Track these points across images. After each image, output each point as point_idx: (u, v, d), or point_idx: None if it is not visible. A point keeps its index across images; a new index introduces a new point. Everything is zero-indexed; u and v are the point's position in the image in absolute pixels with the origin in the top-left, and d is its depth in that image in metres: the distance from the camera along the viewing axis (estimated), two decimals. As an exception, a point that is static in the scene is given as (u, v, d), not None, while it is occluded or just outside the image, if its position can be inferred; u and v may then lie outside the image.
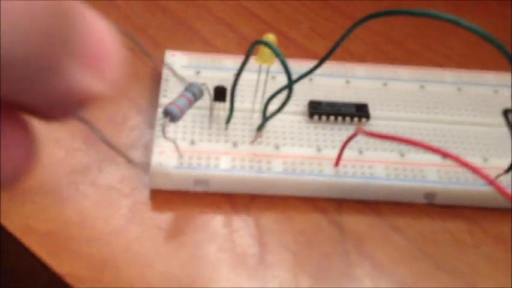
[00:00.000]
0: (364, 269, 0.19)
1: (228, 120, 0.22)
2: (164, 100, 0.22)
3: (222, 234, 0.20)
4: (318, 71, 0.20)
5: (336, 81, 0.24)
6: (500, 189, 0.17)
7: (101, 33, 0.09)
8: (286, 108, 0.20)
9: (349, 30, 0.18)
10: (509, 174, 0.20)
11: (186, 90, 0.21)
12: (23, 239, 0.19)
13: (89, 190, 0.20)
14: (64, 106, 0.09)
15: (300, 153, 0.21)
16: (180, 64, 0.24)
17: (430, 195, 0.21)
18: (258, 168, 0.21)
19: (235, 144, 0.21)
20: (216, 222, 0.20)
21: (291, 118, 0.23)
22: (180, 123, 0.22)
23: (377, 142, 0.22)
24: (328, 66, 0.24)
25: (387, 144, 0.22)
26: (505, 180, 0.20)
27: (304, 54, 0.27)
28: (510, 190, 0.20)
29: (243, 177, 0.21)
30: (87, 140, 0.22)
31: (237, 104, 0.22)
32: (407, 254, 0.20)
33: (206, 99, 0.22)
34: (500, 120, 0.21)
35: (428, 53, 0.27)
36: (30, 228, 0.19)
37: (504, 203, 0.20)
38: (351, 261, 0.20)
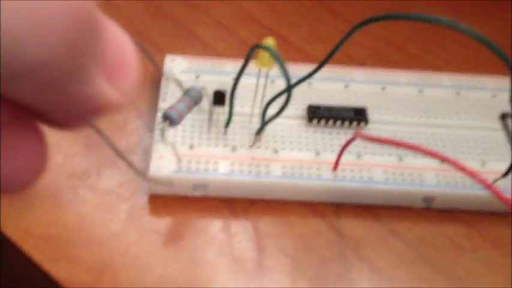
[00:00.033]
0: (363, 273, 0.20)
1: (227, 124, 0.22)
2: (163, 104, 0.22)
3: (221, 239, 0.20)
4: (317, 75, 0.20)
5: (335, 85, 0.24)
6: (497, 194, 0.17)
7: (122, 45, 0.09)
8: (285, 112, 0.20)
9: (348, 34, 0.18)
10: (507, 178, 0.20)
11: (185, 94, 0.21)
12: (22, 244, 0.19)
13: (88, 195, 0.21)
14: (80, 114, 0.09)
15: (298, 157, 0.21)
16: (180, 68, 0.24)
17: (428, 199, 0.21)
18: (256, 172, 0.21)
19: (234, 149, 0.21)
20: (214, 226, 0.20)
21: (290, 122, 0.23)
22: (179, 127, 0.22)
23: (375, 146, 0.22)
24: (327, 70, 0.24)
25: (385, 148, 0.22)
26: (502, 185, 0.20)
27: (304, 58, 0.27)
28: (507, 194, 0.20)
29: (241, 181, 0.21)
30: (86, 144, 0.22)
31: (236, 108, 0.22)
32: (405, 258, 0.20)
33: (205, 103, 0.22)
34: (499, 124, 0.21)
35: (428, 57, 0.27)
36: (29, 233, 0.19)
37: (502, 207, 0.20)
38: (349, 266, 0.20)
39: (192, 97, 0.21)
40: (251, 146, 0.22)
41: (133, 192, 0.21)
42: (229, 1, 0.29)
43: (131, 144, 0.22)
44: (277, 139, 0.22)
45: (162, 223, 0.20)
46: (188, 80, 0.24)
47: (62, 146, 0.22)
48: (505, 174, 0.20)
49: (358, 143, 0.21)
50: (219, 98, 0.22)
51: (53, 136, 0.10)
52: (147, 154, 0.22)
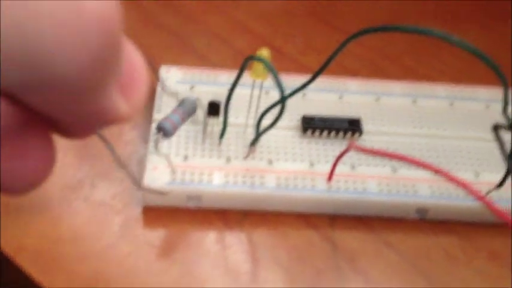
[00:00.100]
0: (357, 285, 0.19)
1: (222, 135, 0.22)
2: (158, 115, 0.22)
3: (215, 251, 0.20)
4: (311, 86, 0.20)
5: (329, 96, 0.24)
6: (489, 205, 0.17)
7: (135, 62, 0.09)
8: (280, 123, 0.20)
9: (342, 45, 0.18)
10: (501, 189, 0.20)
11: (179, 105, 0.21)
12: (16, 257, 0.19)
13: (81, 206, 0.20)
14: (92, 125, 0.09)
15: (293, 169, 0.21)
16: (175, 79, 0.24)
17: (422, 210, 0.21)
18: (251, 183, 0.21)
19: (228, 160, 0.21)
20: (208, 238, 0.20)
21: (284, 133, 0.23)
22: (174, 138, 0.22)
23: (370, 157, 0.22)
24: (322, 81, 0.24)
25: (379, 159, 0.22)
26: (496, 196, 0.21)
27: (299, 68, 0.27)
28: (500, 206, 0.20)
29: (236, 192, 0.21)
30: (79, 155, 0.22)
31: (230, 119, 0.22)
32: (400, 269, 0.20)
33: (200, 114, 0.22)
34: (492, 135, 0.21)
35: (423, 68, 0.28)
36: (22, 245, 0.19)
37: (496, 219, 0.20)
38: (343, 277, 0.20)
39: (187, 108, 0.21)
40: (245, 157, 0.22)
41: (126, 203, 0.21)
42: (224, 12, 0.30)
43: (126, 155, 0.22)
44: (272, 150, 0.22)
45: (156, 235, 0.20)
46: (183, 91, 0.24)
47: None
48: (498, 185, 0.20)
49: (352, 154, 0.21)
50: (213, 108, 0.22)
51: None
52: (141, 165, 0.22)
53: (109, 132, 0.23)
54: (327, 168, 0.21)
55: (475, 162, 0.22)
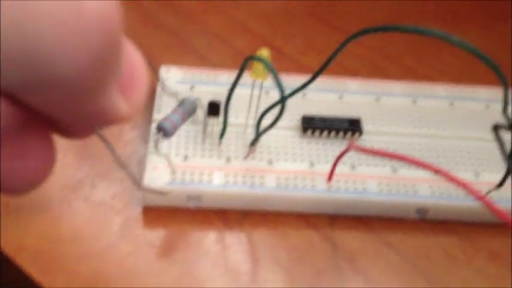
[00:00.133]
0: (357, 285, 0.19)
1: (222, 135, 0.22)
2: (158, 115, 0.22)
3: (215, 251, 0.20)
4: (311, 86, 0.20)
5: (329, 96, 0.24)
6: (489, 205, 0.17)
7: (135, 62, 0.10)
8: (280, 123, 0.20)
9: (342, 45, 0.18)
10: (501, 189, 0.20)
11: (179, 105, 0.21)
12: (16, 257, 0.19)
13: (81, 206, 0.20)
14: (91, 125, 0.09)
15: (293, 169, 0.21)
16: (175, 79, 0.24)
17: (422, 210, 0.21)
18: (251, 183, 0.21)
19: (228, 160, 0.21)
20: (208, 238, 0.20)
21: (284, 133, 0.23)
22: (174, 138, 0.22)
23: (370, 157, 0.22)
24: (322, 81, 0.24)
25: (379, 159, 0.22)
26: (496, 196, 0.21)
27: (299, 68, 0.27)
28: (500, 206, 0.20)
29: (236, 192, 0.21)
30: (79, 155, 0.22)
31: (230, 119, 0.22)
32: (400, 269, 0.20)
33: (200, 114, 0.22)
34: (492, 135, 0.21)
35: (423, 68, 0.28)
36: (22, 245, 0.19)
37: (496, 219, 0.20)
38: (344, 277, 0.20)
39: (187, 108, 0.21)
40: (245, 157, 0.22)
41: (126, 203, 0.21)
42: (224, 12, 0.30)
43: (126, 155, 0.22)
44: (272, 150, 0.22)
45: (156, 235, 0.20)
46: (183, 91, 0.24)
47: (55, 157, 0.22)
48: (499, 185, 0.20)
49: (352, 154, 0.21)
50: (213, 108, 0.22)
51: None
52: (141, 165, 0.22)
53: (109, 132, 0.23)
54: (327, 168, 0.21)
55: (475, 162, 0.22)
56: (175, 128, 0.20)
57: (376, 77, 0.26)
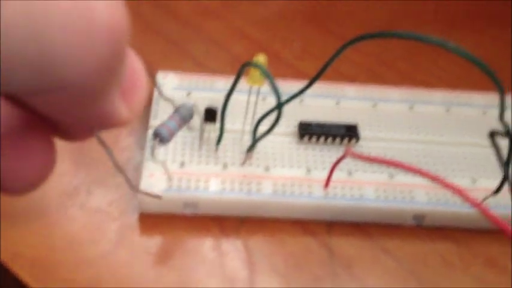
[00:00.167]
0: (354, 292, 0.19)
1: (218, 142, 0.22)
2: (154, 122, 0.22)
3: (212, 258, 0.20)
4: (308, 92, 0.20)
5: (326, 102, 0.24)
6: (485, 212, 0.17)
7: (137, 69, 0.10)
8: (276, 129, 0.20)
9: (339, 51, 0.18)
10: (497, 196, 0.20)
11: (176, 111, 0.21)
12: (12, 264, 0.19)
13: (78, 213, 0.20)
14: (91, 127, 0.10)
15: (289, 175, 0.21)
16: (172, 85, 0.24)
17: (419, 216, 0.21)
18: (247, 190, 0.21)
19: (225, 166, 0.21)
20: (205, 245, 0.20)
21: (281, 139, 0.23)
22: (170, 144, 0.22)
23: (366, 163, 0.22)
24: (319, 87, 0.24)
25: (376, 165, 0.22)
26: (493, 202, 0.21)
27: (296, 74, 0.27)
28: (497, 212, 0.20)
29: (232, 199, 0.21)
30: (76, 162, 0.22)
31: (227, 125, 0.22)
32: (397, 276, 0.20)
33: (197, 120, 0.22)
34: (489, 141, 0.21)
35: (420, 74, 0.28)
36: (17, 253, 0.19)
37: (492, 225, 0.20)
38: (341, 284, 0.20)
39: (183, 114, 0.21)
40: (242, 164, 0.22)
41: (123, 210, 0.21)
42: (222, 18, 0.30)
43: (122, 162, 0.22)
44: (269, 156, 0.22)
45: (152, 242, 0.20)
46: (179, 97, 0.24)
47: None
48: (495, 192, 0.20)
49: (349, 161, 0.21)
50: (210, 115, 0.22)
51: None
52: (137, 172, 0.21)
53: (105, 137, 0.23)
54: (324, 174, 0.21)
55: (471, 169, 0.22)
56: (171, 135, 0.20)
57: (373, 83, 0.26)
